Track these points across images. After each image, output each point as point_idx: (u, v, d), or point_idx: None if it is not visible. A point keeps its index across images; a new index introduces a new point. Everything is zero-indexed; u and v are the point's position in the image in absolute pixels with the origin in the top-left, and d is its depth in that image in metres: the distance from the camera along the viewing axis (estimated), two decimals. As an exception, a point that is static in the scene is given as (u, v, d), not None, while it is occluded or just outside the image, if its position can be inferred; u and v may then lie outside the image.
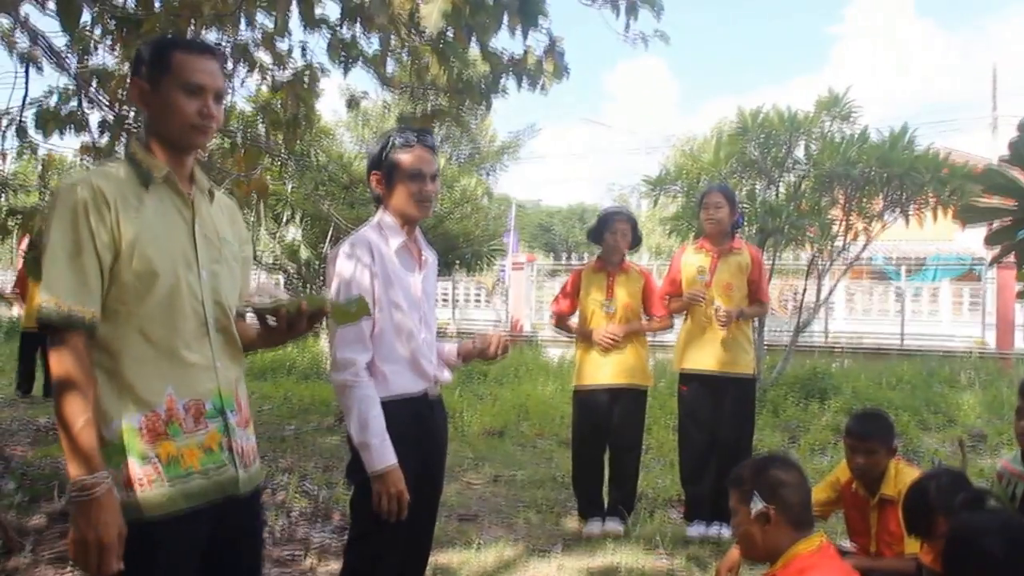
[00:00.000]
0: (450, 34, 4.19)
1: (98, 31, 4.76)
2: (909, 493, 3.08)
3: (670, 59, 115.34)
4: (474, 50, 4.50)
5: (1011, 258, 2.40)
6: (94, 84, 5.06)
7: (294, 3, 4.25)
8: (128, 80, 4.96)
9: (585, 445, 5.32)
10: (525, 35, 4.06)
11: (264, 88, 5.60)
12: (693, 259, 5.31)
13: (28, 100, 5.03)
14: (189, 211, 2.20)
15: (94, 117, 5.25)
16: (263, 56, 5.21)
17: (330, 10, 5.31)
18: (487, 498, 6.05)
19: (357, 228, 3.12)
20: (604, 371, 5.21)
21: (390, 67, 5.22)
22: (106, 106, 5.14)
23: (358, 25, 4.67)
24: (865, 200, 9.61)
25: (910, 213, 9.23)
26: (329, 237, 9.76)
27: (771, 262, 9.40)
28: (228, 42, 5.06)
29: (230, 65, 4.96)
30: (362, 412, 2.77)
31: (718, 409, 5.13)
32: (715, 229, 5.19)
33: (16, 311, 11.16)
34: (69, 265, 1.99)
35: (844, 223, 9.80)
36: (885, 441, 3.60)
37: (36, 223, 4.60)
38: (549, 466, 6.97)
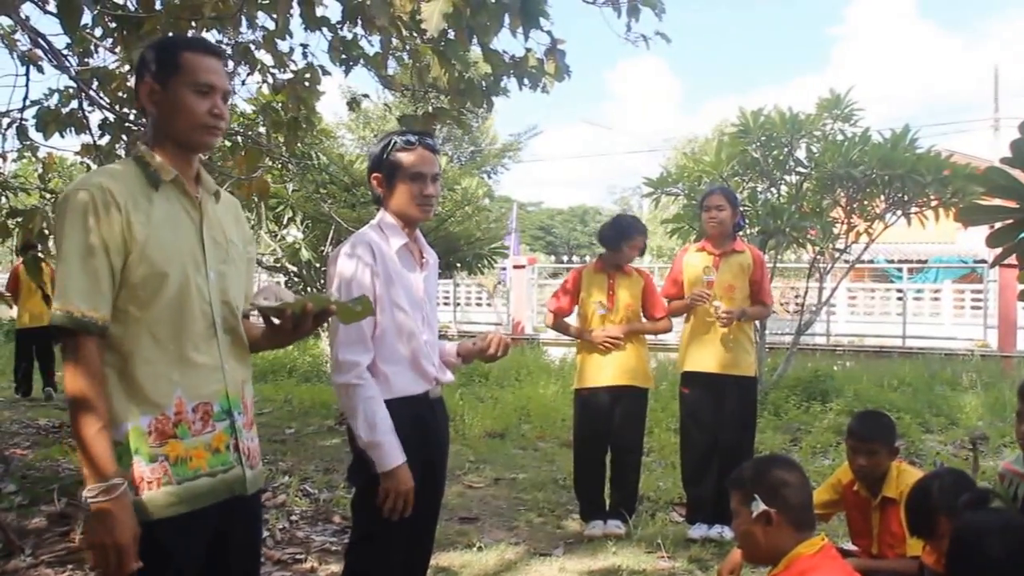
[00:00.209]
0: (451, 35, 4.19)
1: (99, 32, 4.76)
2: (912, 493, 3.08)
3: (671, 59, 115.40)
4: (475, 51, 4.51)
5: (1013, 259, 2.38)
6: (95, 85, 5.06)
7: (295, 4, 4.25)
8: (128, 81, 5.00)
9: (586, 446, 5.32)
10: (526, 36, 4.06)
11: (265, 89, 5.61)
12: (695, 260, 5.29)
13: (29, 101, 5.03)
14: (197, 213, 2.20)
15: (95, 118, 5.26)
16: (264, 57, 5.21)
17: (331, 11, 5.31)
18: (488, 500, 6.04)
19: (358, 229, 3.11)
20: (605, 372, 5.20)
21: (391, 68, 5.22)
22: (107, 107, 5.14)
23: (359, 26, 4.68)
24: (867, 201, 9.59)
25: (912, 214, 9.21)
26: (330, 238, 9.76)
27: (772, 263, 9.39)
28: (229, 43, 5.06)
29: (231, 66, 4.96)
30: (368, 412, 2.76)
31: (720, 410, 5.12)
32: (717, 231, 5.18)
33: (15, 311, 11.15)
34: (81, 268, 2.00)
35: (846, 224, 9.78)
36: (887, 442, 3.59)
37: (36, 224, 4.59)
38: (550, 468, 6.96)
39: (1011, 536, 2.30)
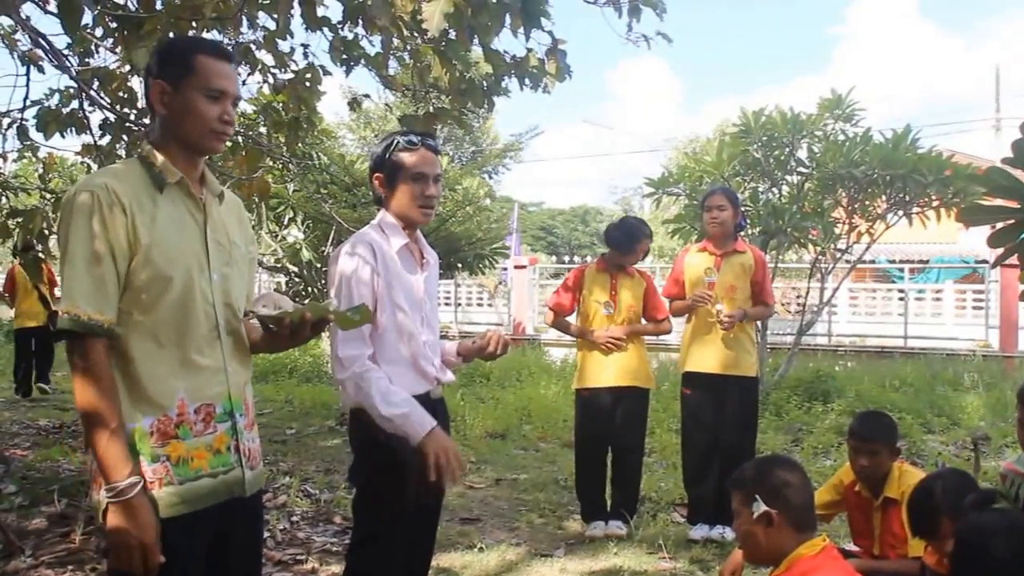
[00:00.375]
0: (452, 35, 4.18)
1: (99, 32, 4.75)
2: (915, 494, 3.07)
3: (672, 59, 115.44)
4: (476, 51, 4.50)
5: (1014, 259, 2.38)
6: (95, 85, 5.06)
7: (296, 4, 4.25)
8: (128, 81, 4.99)
9: (587, 447, 5.31)
10: (527, 36, 4.05)
11: (266, 89, 5.60)
12: (697, 260, 5.28)
13: (29, 101, 5.03)
14: (201, 214, 2.20)
15: (95, 118, 5.25)
16: (265, 57, 5.21)
17: (332, 11, 5.31)
18: (489, 501, 6.03)
19: (359, 229, 3.11)
20: (607, 372, 5.19)
21: (392, 68, 5.22)
22: (107, 107, 5.14)
23: (360, 26, 4.67)
24: (868, 201, 9.59)
25: (913, 214, 9.20)
26: (331, 239, 9.75)
27: (774, 263, 9.39)
28: (230, 43, 5.06)
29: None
30: (383, 391, 2.75)
31: (721, 411, 5.11)
32: (719, 231, 5.17)
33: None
34: (87, 272, 2.00)
35: (847, 224, 9.78)
36: (888, 442, 3.59)
37: (36, 224, 4.59)
38: (551, 468, 6.95)
39: (1015, 537, 2.30)
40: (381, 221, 2.98)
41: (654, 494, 6.00)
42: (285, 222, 10.48)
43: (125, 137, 5.36)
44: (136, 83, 5.13)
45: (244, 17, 4.46)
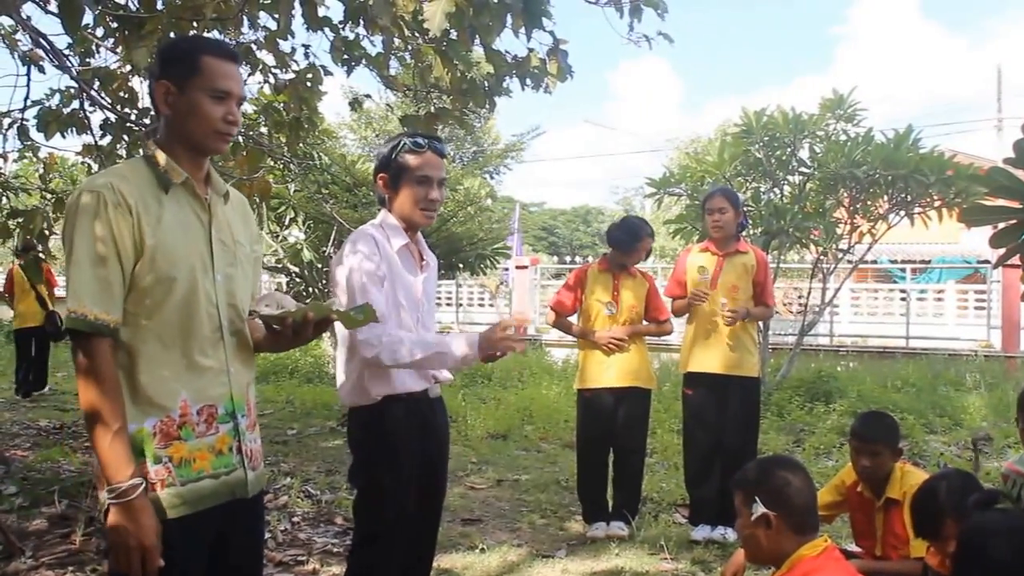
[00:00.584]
0: (453, 35, 4.18)
1: (100, 32, 4.75)
2: (918, 495, 3.06)
3: (673, 59, 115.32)
4: (478, 51, 4.49)
5: (1016, 259, 2.38)
6: (96, 85, 5.05)
7: (297, 4, 4.24)
8: (129, 81, 4.99)
9: (589, 448, 5.30)
10: (529, 36, 4.05)
11: (267, 89, 5.60)
12: (699, 261, 5.27)
13: (30, 101, 5.03)
14: (206, 215, 2.20)
15: (96, 118, 5.26)
16: (266, 57, 5.21)
17: (333, 11, 5.30)
18: (491, 501, 6.02)
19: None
20: (608, 373, 5.18)
21: (393, 68, 5.21)
22: (108, 107, 5.13)
23: (361, 26, 4.66)
24: (870, 201, 9.59)
25: (915, 214, 9.20)
26: (332, 239, 9.74)
27: (776, 263, 9.38)
28: (231, 43, 5.05)
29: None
30: (414, 344, 2.78)
31: (723, 411, 5.10)
32: (721, 235, 5.16)
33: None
34: (93, 272, 1.99)
35: (849, 224, 9.77)
36: (890, 443, 3.58)
37: (37, 224, 4.58)
38: (553, 469, 6.94)
39: (1017, 538, 2.29)
40: (383, 221, 2.98)
41: (656, 495, 5.99)
42: (286, 222, 10.47)
43: (126, 137, 5.35)
44: (137, 83, 5.13)
45: (245, 17, 4.45)
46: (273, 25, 4.76)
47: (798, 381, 10.18)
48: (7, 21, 4.87)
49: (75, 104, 5.17)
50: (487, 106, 4.79)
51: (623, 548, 4.88)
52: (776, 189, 9.78)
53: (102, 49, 5.05)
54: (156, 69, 2.18)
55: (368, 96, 6.43)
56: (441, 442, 3.09)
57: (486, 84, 4.69)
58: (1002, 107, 28.17)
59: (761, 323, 8.46)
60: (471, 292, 20.54)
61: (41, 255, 5.29)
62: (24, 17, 4.47)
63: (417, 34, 4.53)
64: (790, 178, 9.78)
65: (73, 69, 4.86)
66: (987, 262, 19.08)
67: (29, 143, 5.49)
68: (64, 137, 5.20)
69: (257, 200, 5.76)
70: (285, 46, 5.10)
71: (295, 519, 5.26)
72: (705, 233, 5.56)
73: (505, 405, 9.61)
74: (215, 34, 4.64)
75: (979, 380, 11.25)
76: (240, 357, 2.26)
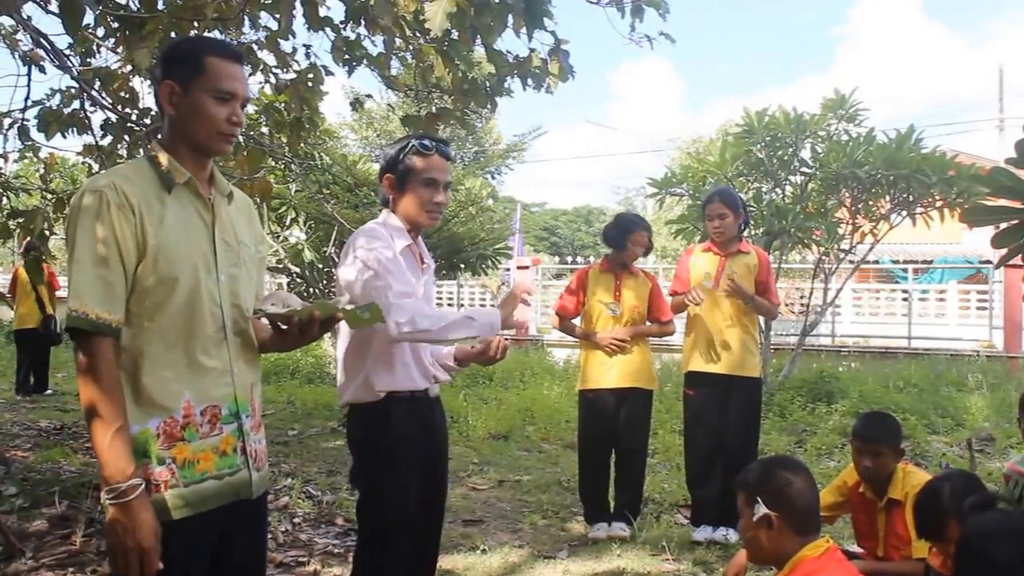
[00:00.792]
0: (455, 35, 4.17)
1: (101, 32, 4.75)
2: (922, 495, 3.05)
3: (675, 59, 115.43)
4: (479, 51, 4.49)
5: (1018, 259, 2.37)
6: (97, 85, 5.05)
7: (298, 4, 4.24)
8: (130, 81, 4.98)
9: (591, 448, 5.29)
10: (530, 36, 4.05)
11: (268, 89, 5.59)
12: (701, 261, 5.26)
13: (30, 101, 5.02)
14: (210, 215, 2.20)
15: (97, 118, 5.25)
16: (267, 57, 5.20)
17: (334, 11, 5.30)
18: (492, 502, 6.02)
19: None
20: (610, 373, 5.18)
21: (394, 68, 5.21)
22: (109, 107, 5.13)
23: (362, 26, 4.66)
24: (872, 201, 9.58)
25: (917, 214, 9.19)
26: (333, 239, 9.73)
27: (777, 264, 9.36)
28: (231, 43, 5.05)
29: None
30: (436, 321, 2.80)
31: (724, 412, 5.09)
32: (722, 239, 5.15)
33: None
34: (95, 272, 1.99)
35: (851, 224, 9.76)
36: (892, 443, 3.57)
37: (37, 224, 4.58)
38: (554, 470, 6.94)
39: (1018, 539, 2.28)
40: (385, 222, 2.99)
41: (657, 495, 5.98)
42: (287, 223, 10.46)
43: (126, 137, 5.35)
44: (137, 83, 5.13)
45: (246, 17, 4.45)
46: (274, 25, 4.77)
47: (800, 381, 10.17)
48: (8, 21, 4.87)
49: (76, 104, 5.16)
50: (488, 106, 4.79)
51: (625, 549, 4.88)
52: (778, 189, 9.78)
53: (103, 49, 5.05)
54: (160, 69, 2.17)
55: (369, 96, 6.43)
56: (440, 442, 3.10)
57: (487, 84, 4.69)
58: (1004, 107, 28.24)
59: (763, 323, 8.46)
60: (472, 292, 20.52)
61: (41, 255, 5.28)
62: (25, 17, 4.47)
63: (418, 34, 4.53)
64: (792, 178, 9.78)
65: (74, 69, 4.85)
66: (989, 262, 19.06)
67: (30, 143, 5.49)
68: (65, 137, 5.21)
69: (258, 200, 5.75)
70: (286, 46, 5.10)
71: (296, 520, 5.25)
72: (706, 233, 5.56)
73: (506, 405, 9.60)
74: (216, 34, 4.64)
75: (981, 380, 11.23)
76: (244, 357, 2.25)
